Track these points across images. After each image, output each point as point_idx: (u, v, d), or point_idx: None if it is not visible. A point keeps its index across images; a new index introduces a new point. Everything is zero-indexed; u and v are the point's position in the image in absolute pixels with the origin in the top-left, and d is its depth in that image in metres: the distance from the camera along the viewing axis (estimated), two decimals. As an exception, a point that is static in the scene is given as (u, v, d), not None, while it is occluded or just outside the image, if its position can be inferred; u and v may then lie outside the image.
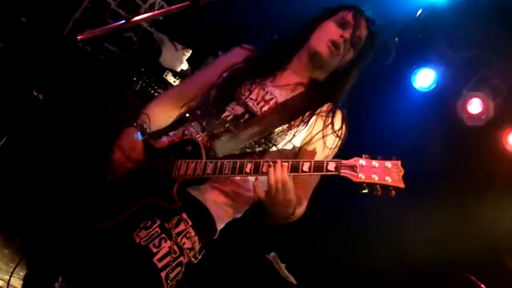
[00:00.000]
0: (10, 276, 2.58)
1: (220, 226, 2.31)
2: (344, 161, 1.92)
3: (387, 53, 4.42)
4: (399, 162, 1.88)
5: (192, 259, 2.15)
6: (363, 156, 1.92)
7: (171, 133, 2.43)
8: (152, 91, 4.48)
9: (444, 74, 4.86)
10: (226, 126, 2.26)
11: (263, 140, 2.25)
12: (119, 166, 2.20)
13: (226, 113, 2.30)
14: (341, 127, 2.34)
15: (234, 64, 2.44)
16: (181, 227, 2.13)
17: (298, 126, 2.28)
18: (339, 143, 2.33)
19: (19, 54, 4.28)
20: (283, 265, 4.46)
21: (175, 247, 2.07)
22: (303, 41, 2.41)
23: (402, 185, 1.85)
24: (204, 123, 2.31)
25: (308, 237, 4.68)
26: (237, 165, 2.01)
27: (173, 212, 2.13)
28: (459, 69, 4.82)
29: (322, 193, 2.32)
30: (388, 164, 1.88)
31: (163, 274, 2.02)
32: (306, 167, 1.93)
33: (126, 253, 2.04)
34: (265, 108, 2.30)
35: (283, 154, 2.27)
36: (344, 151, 2.30)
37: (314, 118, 2.31)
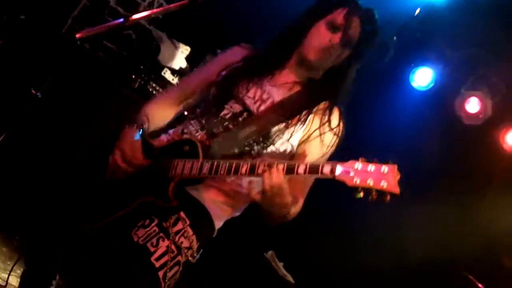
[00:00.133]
0: (9, 275, 2.58)
1: (218, 225, 2.30)
2: (339, 164, 1.89)
3: (386, 52, 4.44)
4: (395, 167, 1.83)
5: (190, 258, 2.14)
6: (360, 159, 1.87)
7: (170, 131, 2.42)
8: (150, 89, 4.47)
9: (442, 73, 4.86)
10: (224, 124, 2.26)
11: (260, 139, 2.25)
12: (119, 172, 2.20)
13: (225, 111, 2.30)
14: (339, 124, 2.33)
15: (233, 62, 2.43)
16: (179, 226, 2.13)
17: (295, 125, 2.27)
18: (337, 140, 2.31)
19: (17, 52, 4.28)
20: (281, 264, 4.45)
21: (173, 246, 2.07)
22: (297, 42, 2.38)
23: (397, 191, 1.80)
24: (203, 121, 2.30)
25: (306, 235, 4.68)
26: (233, 166, 2.01)
27: (171, 211, 2.13)
28: (457, 68, 4.82)
29: (320, 191, 2.31)
30: (385, 168, 1.83)
31: (160, 273, 2.01)
32: (301, 169, 1.92)
33: (123, 252, 2.04)
34: (262, 107, 2.30)
35: (280, 153, 2.27)
36: (342, 150, 2.30)
37: (311, 116, 2.30)
